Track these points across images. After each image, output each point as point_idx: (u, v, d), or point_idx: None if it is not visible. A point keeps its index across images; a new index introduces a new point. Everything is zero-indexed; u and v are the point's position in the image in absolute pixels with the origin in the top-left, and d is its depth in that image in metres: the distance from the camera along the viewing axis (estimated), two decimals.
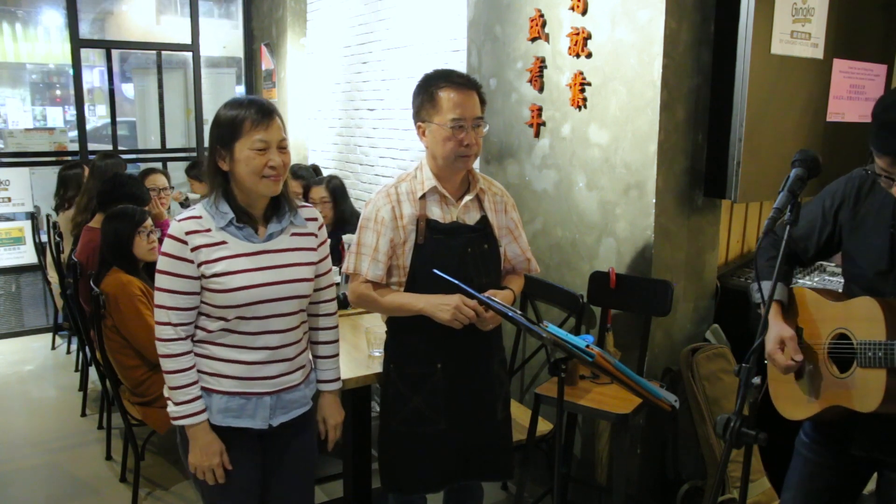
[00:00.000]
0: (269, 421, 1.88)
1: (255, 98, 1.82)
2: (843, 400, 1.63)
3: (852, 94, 2.89)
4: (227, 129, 1.76)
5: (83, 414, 4.05)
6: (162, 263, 1.79)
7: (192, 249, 1.77)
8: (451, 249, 2.06)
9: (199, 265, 1.77)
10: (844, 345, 1.64)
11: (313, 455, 2.05)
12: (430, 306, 2.01)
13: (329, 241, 2.01)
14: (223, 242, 1.79)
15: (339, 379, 2.07)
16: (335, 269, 3.30)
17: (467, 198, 2.11)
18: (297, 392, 1.93)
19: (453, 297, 1.97)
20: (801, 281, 2.64)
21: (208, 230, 1.79)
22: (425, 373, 2.11)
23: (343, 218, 3.76)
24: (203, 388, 1.84)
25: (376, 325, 2.55)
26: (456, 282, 1.85)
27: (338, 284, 3.26)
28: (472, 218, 2.12)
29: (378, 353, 2.50)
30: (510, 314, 1.71)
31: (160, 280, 1.79)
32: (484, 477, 2.25)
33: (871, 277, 1.64)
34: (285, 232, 1.87)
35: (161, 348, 1.80)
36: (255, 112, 1.75)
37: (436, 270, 1.94)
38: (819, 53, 2.71)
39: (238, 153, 1.75)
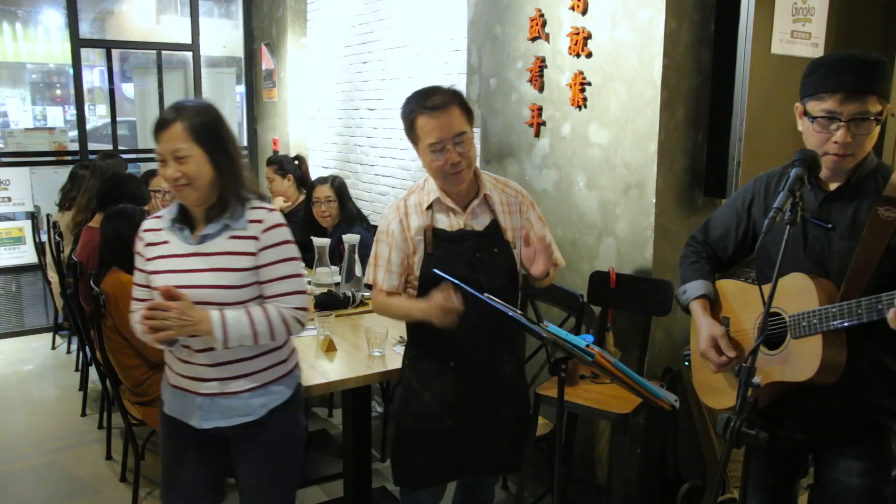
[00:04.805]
0: (201, 422, 1.86)
1: (172, 104, 1.82)
2: (777, 375, 1.70)
3: None
4: None
5: (83, 414, 4.05)
6: (135, 259, 1.90)
7: (145, 245, 1.86)
8: (458, 256, 2.08)
9: (147, 261, 1.86)
10: (775, 322, 1.72)
11: (273, 466, 1.97)
12: (423, 314, 2.00)
13: (288, 244, 1.88)
14: (165, 242, 1.84)
15: (224, 323, 1.78)
16: (332, 269, 3.28)
17: (473, 204, 2.13)
18: (236, 399, 1.87)
19: (433, 300, 1.96)
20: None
21: (160, 229, 1.85)
22: (438, 370, 2.14)
23: (348, 217, 3.76)
24: (165, 375, 1.95)
25: (376, 325, 2.56)
26: (455, 281, 1.85)
27: (337, 284, 3.29)
28: (480, 223, 2.13)
29: (378, 352, 2.51)
30: (510, 314, 1.71)
31: (134, 275, 1.91)
32: (486, 472, 2.27)
33: (787, 261, 1.70)
34: (223, 234, 1.83)
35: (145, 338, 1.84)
36: (154, 124, 1.79)
37: (436, 270, 1.94)
38: (819, 53, 2.71)
39: None
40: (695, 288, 1.93)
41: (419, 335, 2.19)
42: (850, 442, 1.73)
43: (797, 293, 1.67)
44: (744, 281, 1.94)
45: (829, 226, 1.69)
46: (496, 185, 2.19)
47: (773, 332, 1.72)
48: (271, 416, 1.91)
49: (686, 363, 2.05)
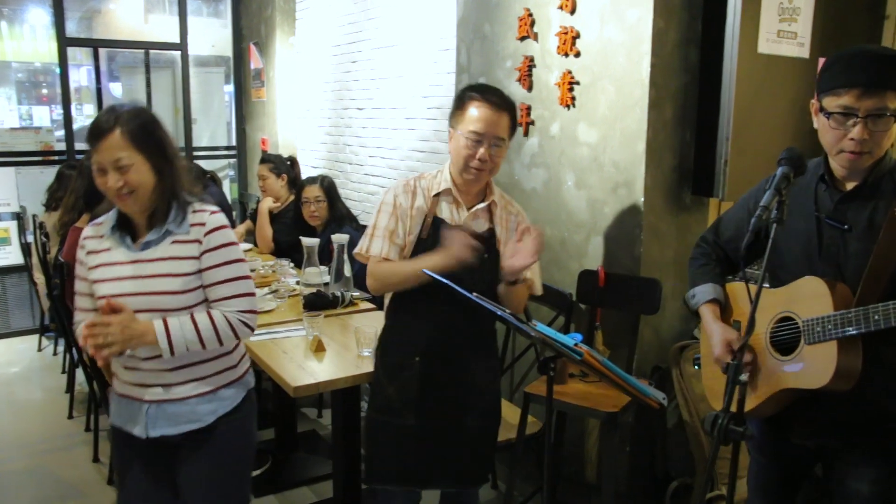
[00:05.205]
0: (148, 430, 1.82)
1: (106, 110, 1.75)
2: (791, 382, 1.65)
3: None
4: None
5: (70, 416, 4.02)
6: (76, 267, 1.86)
7: (87, 253, 1.81)
8: None
9: (89, 269, 1.80)
10: (788, 327, 1.67)
11: (219, 476, 1.92)
12: (442, 260, 1.96)
13: (232, 246, 1.85)
14: (107, 249, 1.80)
15: (167, 332, 1.74)
16: (321, 269, 3.26)
17: (478, 206, 2.16)
18: (184, 406, 1.84)
19: (448, 247, 1.96)
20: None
21: (101, 236, 1.81)
22: (403, 364, 2.14)
23: (337, 217, 3.75)
24: (113, 384, 1.91)
25: (366, 325, 2.55)
26: (445, 281, 1.84)
27: (326, 284, 3.28)
28: (479, 226, 2.16)
29: (368, 352, 2.50)
30: (499, 313, 1.70)
31: (76, 283, 1.86)
32: (453, 484, 2.25)
33: (801, 263, 1.68)
34: (165, 240, 1.79)
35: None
36: (88, 132, 1.73)
37: (425, 269, 1.94)
38: (805, 52, 2.73)
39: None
40: (704, 292, 1.88)
41: (392, 327, 2.21)
42: (863, 449, 1.68)
43: (811, 297, 1.62)
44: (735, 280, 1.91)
45: (846, 227, 1.63)
46: (502, 200, 2.23)
47: (787, 338, 1.67)
48: (220, 423, 1.88)
49: (696, 367, 2.01)
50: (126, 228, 1.82)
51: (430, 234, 2.10)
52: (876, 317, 1.49)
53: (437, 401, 2.13)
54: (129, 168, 1.71)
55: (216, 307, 1.83)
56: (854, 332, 1.52)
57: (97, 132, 1.70)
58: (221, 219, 1.85)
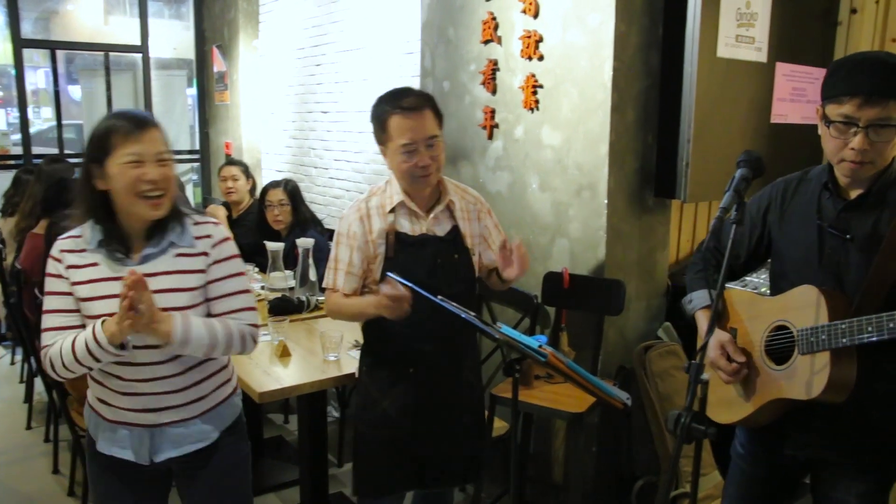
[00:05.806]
0: (151, 456, 1.77)
1: (133, 110, 1.72)
2: (783, 392, 1.63)
3: (794, 96, 2.98)
4: (98, 143, 1.65)
5: (28, 427, 3.92)
6: (46, 284, 1.72)
7: (67, 267, 1.70)
8: (420, 260, 2.05)
9: (73, 285, 1.69)
10: (783, 336, 1.66)
11: (227, 490, 1.90)
12: (375, 309, 1.97)
13: (237, 258, 1.83)
14: (94, 264, 1.70)
15: (186, 324, 1.68)
16: (286, 273, 3.24)
17: (437, 209, 2.11)
18: (189, 426, 1.78)
19: (380, 293, 1.94)
20: (755, 280, 2.69)
21: (83, 250, 1.71)
22: (397, 377, 2.11)
23: (302, 221, 3.73)
24: (94, 412, 1.80)
25: (331, 330, 2.54)
26: (409, 284, 1.84)
27: (291, 288, 3.25)
28: (442, 229, 2.12)
29: (333, 357, 2.48)
30: (464, 316, 1.70)
31: (47, 302, 1.72)
32: (447, 484, 2.26)
33: (802, 271, 1.67)
34: (167, 253, 1.72)
35: (61, 373, 1.68)
36: (126, 123, 1.65)
37: (389, 273, 1.92)
38: (763, 57, 2.79)
39: (110, 168, 1.63)
40: (700, 298, 1.85)
41: (376, 342, 2.16)
42: (854, 463, 1.65)
43: (805, 306, 1.58)
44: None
45: (848, 236, 1.58)
46: (456, 191, 2.18)
47: (781, 347, 1.65)
48: (222, 438, 1.85)
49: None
50: (115, 241, 1.71)
51: (397, 251, 2.06)
52: (869, 328, 1.45)
53: (434, 405, 2.12)
54: (168, 164, 1.68)
55: (228, 319, 1.77)
56: (847, 343, 1.48)
57: (141, 122, 1.65)
58: (226, 230, 1.82)
